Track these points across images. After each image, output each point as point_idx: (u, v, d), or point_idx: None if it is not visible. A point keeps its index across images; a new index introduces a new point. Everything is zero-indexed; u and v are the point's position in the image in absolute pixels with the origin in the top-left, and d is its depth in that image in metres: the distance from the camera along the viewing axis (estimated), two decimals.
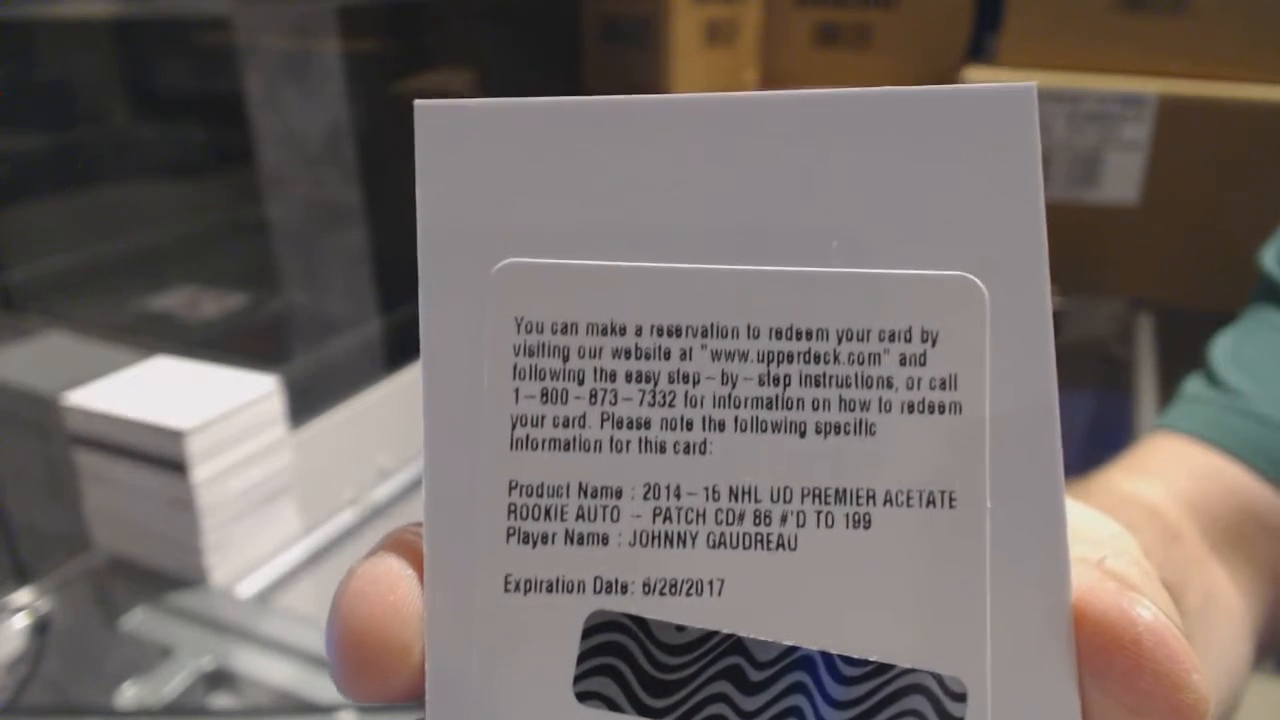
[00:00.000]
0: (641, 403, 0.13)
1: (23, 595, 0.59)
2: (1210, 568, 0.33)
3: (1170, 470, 0.35)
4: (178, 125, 0.87)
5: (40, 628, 0.57)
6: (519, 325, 0.13)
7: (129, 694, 0.52)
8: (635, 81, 1.04)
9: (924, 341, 0.13)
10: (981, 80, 0.94)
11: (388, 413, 0.76)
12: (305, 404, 0.69)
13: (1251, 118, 0.87)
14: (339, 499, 0.71)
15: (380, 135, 0.88)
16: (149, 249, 0.85)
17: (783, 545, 0.13)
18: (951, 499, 0.13)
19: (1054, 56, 0.94)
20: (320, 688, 0.52)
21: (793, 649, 0.13)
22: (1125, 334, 0.93)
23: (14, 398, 0.65)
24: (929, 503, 0.13)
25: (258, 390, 0.61)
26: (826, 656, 0.13)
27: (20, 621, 0.57)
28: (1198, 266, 0.92)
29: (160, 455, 0.57)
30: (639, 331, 0.13)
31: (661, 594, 0.13)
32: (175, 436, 0.56)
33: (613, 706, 0.13)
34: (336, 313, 0.91)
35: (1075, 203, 0.90)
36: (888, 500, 0.13)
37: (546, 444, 0.13)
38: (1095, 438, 0.86)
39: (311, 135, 0.85)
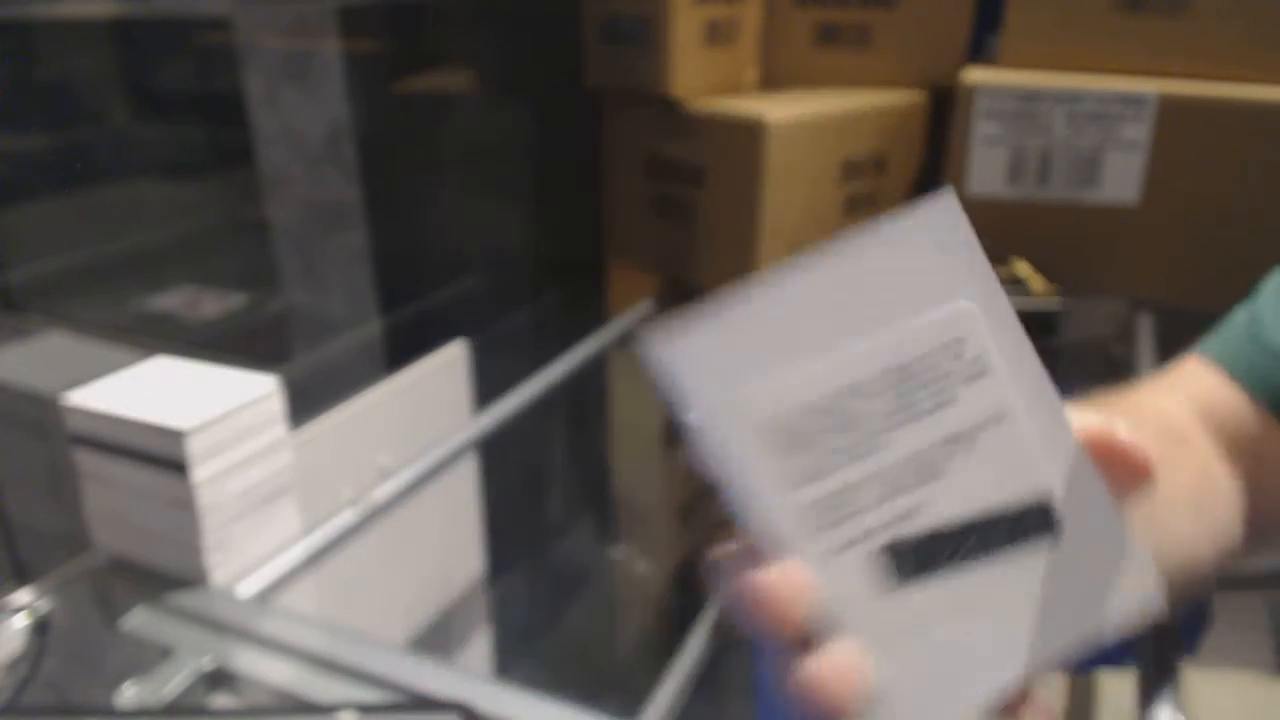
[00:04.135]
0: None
1: (23, 595, 0.59)
2: (1214, 463, 0.40)
3: (1190, 387, 0.43)
4: (178, 125, 0.87)
5: (40, 628, 0.57)
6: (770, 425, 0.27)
7: (129, 694, 0.52)
8: (635, 81, 1.04)
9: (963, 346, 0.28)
10: (981, 80, 0.94)
11: (388, 413, 0.76)
12: (305, 404, 0.69)
13: (1251, 118, 0.87)
14: (339, 499, 0.71)
15: (380, 135, 0.88)
16: (149, 249, 0.85)
17: (943, 475, 0.27)
18: (1005, 416, 0.28)
19: (1054, 56, 0.94)
20: (320, 688, 0.52)
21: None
22: (1125, 334, 0.93)
23: (14, 398, 0.65)
24: (998, 421, 0.27)
25: (258, 390, 0.61)
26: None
27: (20, 621, 0.57)
28: (1198, 266, 0.92)
29: (160, 455, 0.57)
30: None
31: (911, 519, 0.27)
32: (175, 436, 0.56)
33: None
34: (336, 313, 0.90)
35: (1075, 203, 0.90)
36: (978, 429, 0.27)
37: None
38: None
39: (311, 135, 0.85)
